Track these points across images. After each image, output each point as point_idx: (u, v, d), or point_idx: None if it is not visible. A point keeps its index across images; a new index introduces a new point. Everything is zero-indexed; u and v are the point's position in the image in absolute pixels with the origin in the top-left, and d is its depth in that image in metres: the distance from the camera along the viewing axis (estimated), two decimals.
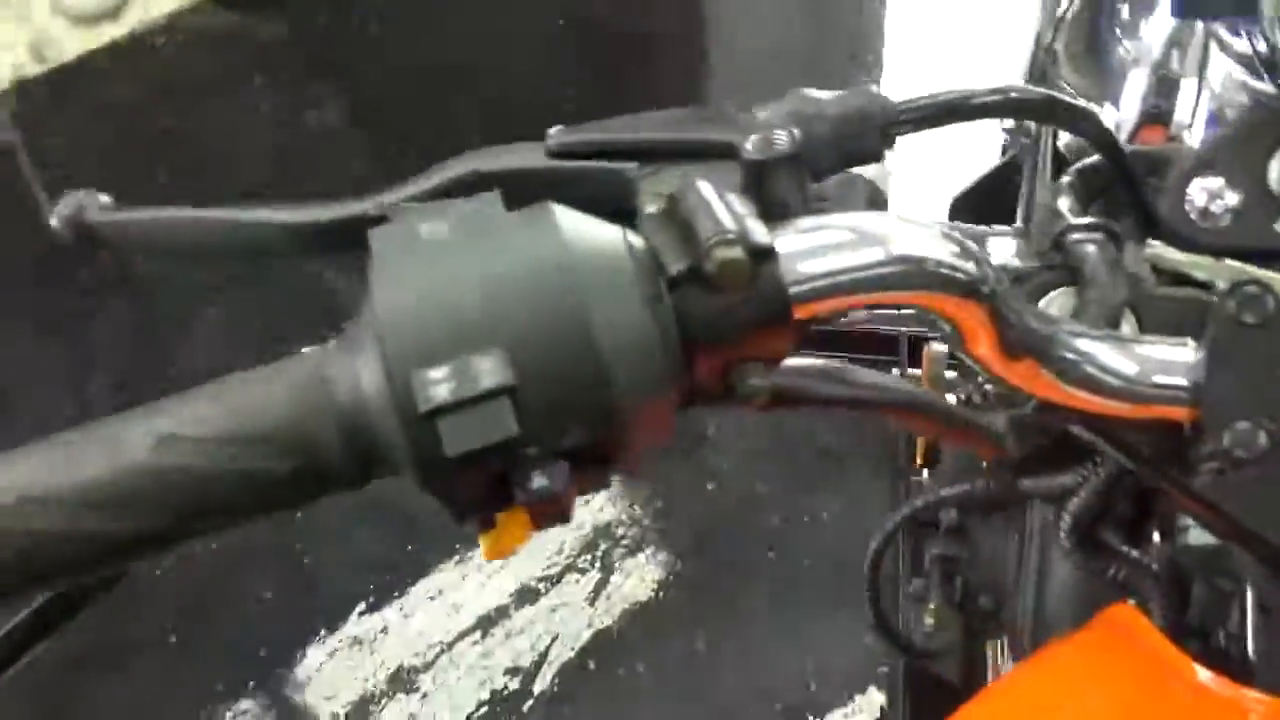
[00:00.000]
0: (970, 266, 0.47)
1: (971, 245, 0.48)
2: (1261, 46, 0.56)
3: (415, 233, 0.42)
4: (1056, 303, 0.58)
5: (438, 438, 0.39)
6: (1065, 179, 0.64)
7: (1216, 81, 0.72)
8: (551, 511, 0.42)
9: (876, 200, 0.76)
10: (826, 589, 1.92)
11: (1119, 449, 0.56)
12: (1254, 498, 0.53)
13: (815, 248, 0.45)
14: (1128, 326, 0.56)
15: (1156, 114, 0.75)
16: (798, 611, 1.93)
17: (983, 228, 0.80)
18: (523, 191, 0.55)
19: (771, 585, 1.97)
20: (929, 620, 1.13)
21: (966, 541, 1.10)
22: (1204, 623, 0.67)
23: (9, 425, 2.16)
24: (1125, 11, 0.87)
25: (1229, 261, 0.57)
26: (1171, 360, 0.52)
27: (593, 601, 1.95)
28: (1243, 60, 0.58)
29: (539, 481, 0.40)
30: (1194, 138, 0.71)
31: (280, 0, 2.93)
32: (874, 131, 0.52)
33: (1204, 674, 0.59)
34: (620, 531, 2.04)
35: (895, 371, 1.42)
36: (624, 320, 0.41)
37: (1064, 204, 0.61)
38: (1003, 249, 0.64)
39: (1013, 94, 0.54)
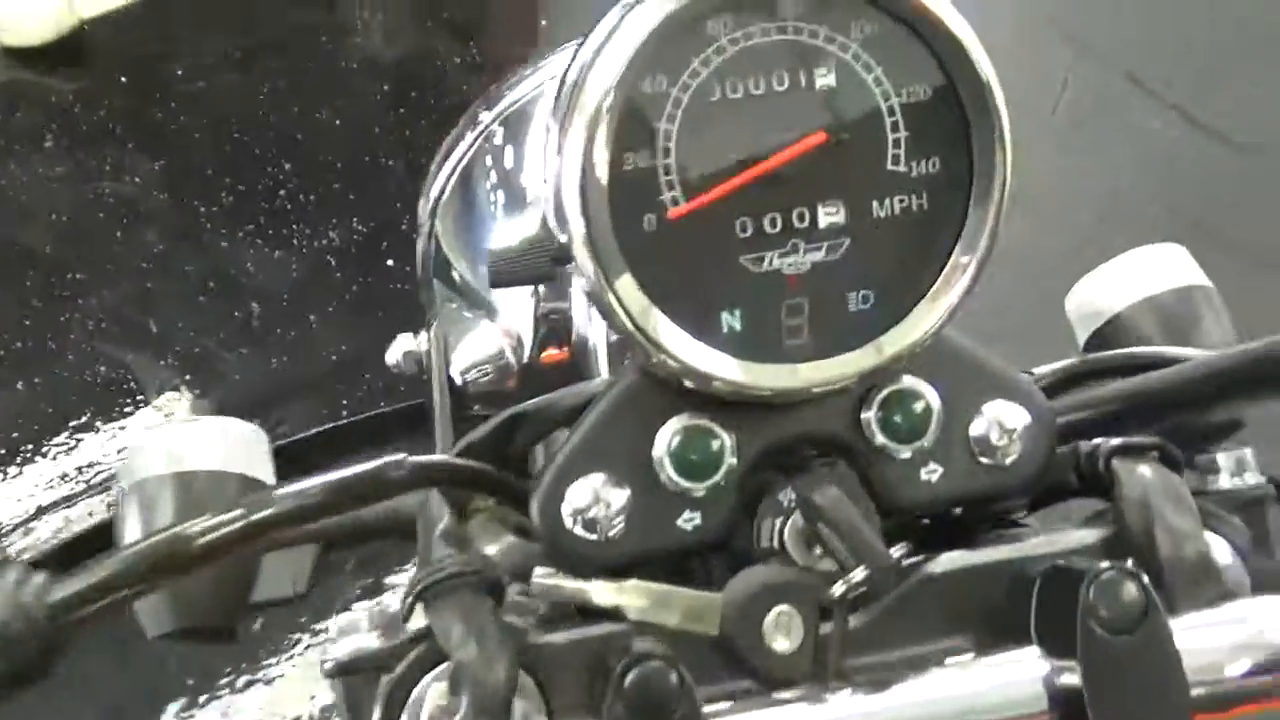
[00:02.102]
0: None
1: None
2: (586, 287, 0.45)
3: None
4: (432, 693, 0.44)
5: None
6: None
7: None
8: None
9: None
10: None
11: None
12: None
13: None
14: (525, 703, 0.44)
15: (554, 333, 0.63)
16: None
17: None
18: None
19: None
20: None
21: None
22: None
23: None
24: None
25: (634, 581, 0.45)
26: None
27: None
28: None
29: None
30: (600, 353, 0.59)
31: (77, 57, 2.60)
32: None
33: None
34: None
35: None
36: None
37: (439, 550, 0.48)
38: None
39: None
